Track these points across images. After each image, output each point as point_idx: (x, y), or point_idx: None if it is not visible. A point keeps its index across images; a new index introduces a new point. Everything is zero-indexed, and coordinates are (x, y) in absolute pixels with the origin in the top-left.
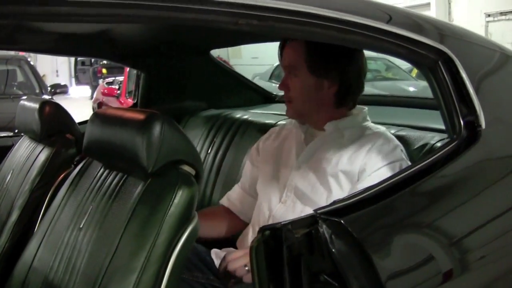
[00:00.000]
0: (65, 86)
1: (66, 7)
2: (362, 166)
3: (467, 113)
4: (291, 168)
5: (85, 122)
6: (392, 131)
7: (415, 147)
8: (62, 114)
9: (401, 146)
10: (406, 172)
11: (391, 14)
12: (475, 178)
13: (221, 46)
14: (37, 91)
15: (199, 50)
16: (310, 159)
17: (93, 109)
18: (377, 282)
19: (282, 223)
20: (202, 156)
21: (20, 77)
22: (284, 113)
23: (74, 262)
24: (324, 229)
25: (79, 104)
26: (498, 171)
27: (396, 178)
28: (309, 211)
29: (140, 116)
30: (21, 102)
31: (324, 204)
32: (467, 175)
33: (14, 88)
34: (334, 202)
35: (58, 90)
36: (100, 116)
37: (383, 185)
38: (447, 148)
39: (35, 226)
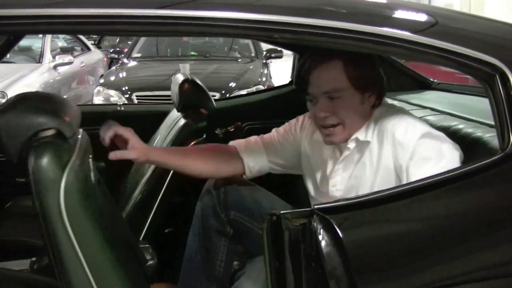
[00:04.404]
0: (280, 51)
1: None
2: (399, 162)
3: None
4: (328, 177)
5: (221, 99)
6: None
7: None
8: (199, 91)
9: (416, 121)
10: (417, 184)
11: (434, 25)
12: (496, 196)
13: None
14: (253, 54)
15: None
16: (344, 173)
17: None
18: (350, 279)
19: (282, 212)
20: None
21: (242, 40)
22: (429, 105)
23: None
24: (316, 222)
25: None
26: None
27: (402, 188)
28: None
29: None
30: (174, 76)
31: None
32: (486, 193)
33: (236, 52)
34: (338, 200)
35: (273, 55)
36: None
37: (387, 192)
38: (483, 162)
39: (164, 184)
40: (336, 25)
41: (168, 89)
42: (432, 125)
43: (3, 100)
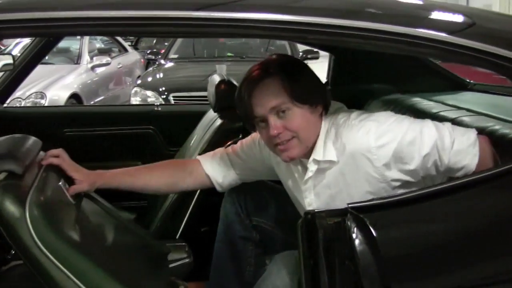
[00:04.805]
0: (317, 52)
1: None
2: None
3: None
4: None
5: None
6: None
7: None
8: (235, 91)
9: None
10: (450, 184)
11: (471, 26)
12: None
13: None
14: (289, 54)
15: None
16: (316, 197)
17: None
18: (384, 277)
19: (316, 211)
20: None
21: (279, 41)
22: (465, 105)
23: None
24: (350, 221)
25: None
26: None
27: (436, 188)
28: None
29: None
30: (211, 76)
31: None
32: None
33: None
34: (372, 200)
35: (309, 56)
36: None
37: (421, 191)
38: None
39: None
40: (371, 27)
41: (205, 90)
42: (468, 126)
43: (42, 101)
